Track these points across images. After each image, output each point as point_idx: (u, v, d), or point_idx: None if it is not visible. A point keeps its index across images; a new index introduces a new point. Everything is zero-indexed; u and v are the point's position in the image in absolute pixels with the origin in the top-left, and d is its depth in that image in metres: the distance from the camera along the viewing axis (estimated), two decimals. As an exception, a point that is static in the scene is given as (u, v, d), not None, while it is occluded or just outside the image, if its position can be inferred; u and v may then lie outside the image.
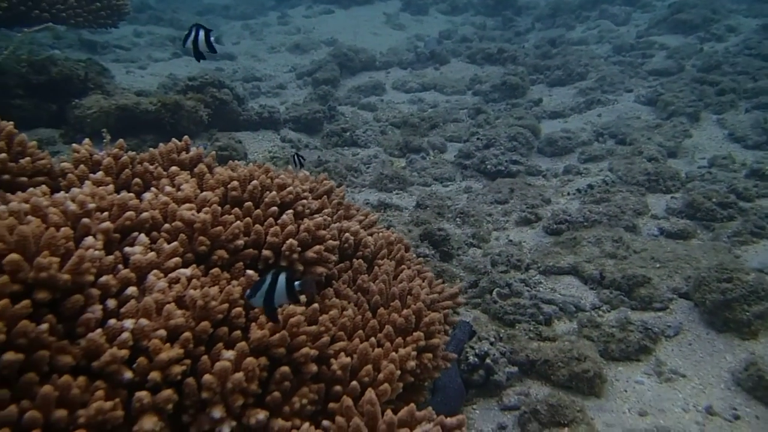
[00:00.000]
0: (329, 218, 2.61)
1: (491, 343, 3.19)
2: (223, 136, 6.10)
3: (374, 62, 10.63)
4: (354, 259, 2.61)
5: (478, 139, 6.59)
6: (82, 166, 2.25)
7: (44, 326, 1.53)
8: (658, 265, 3.90)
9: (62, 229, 1.75)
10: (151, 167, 2.40)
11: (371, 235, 2.89)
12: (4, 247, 1.59)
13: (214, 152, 2.71)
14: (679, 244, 4.27)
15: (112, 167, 2.32)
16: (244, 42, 12.71)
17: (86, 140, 2.39)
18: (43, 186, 2.05)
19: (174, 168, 2.44)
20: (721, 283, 3.38)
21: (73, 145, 2.32)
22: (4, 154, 2.00)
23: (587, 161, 6.24)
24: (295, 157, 3.97)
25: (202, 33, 3.16)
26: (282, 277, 1.77)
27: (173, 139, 2.56)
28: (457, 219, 5.05)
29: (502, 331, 3.43)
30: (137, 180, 2.35)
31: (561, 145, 6.57)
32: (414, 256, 2.99)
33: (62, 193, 1.99)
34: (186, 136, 2.64)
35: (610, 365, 3.25)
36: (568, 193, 5.42)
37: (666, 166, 5.56)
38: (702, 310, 3.51)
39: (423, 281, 2.64)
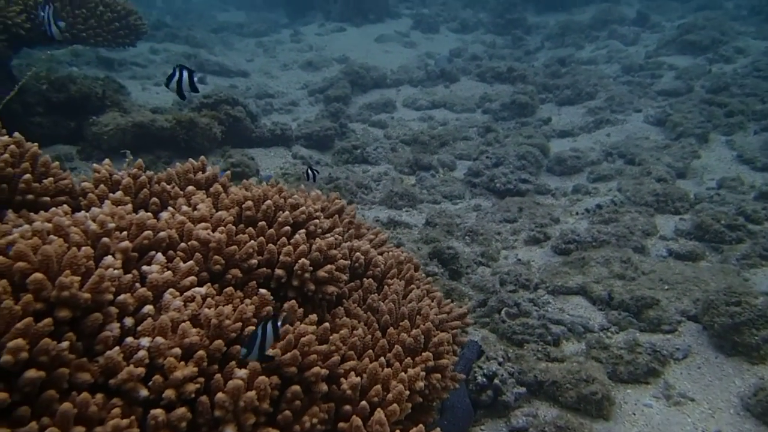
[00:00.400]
0: (340, 237, 2.66)
1: (499, 363, 3.21)
2: (236, 152, 6.18)
3: (385, 80, 10.74)
4: (364, 279, 2.65)
5: (487, 157, 6.64)
6: (102, 185, 2.32)
7: (65, 344, 1.58)
8: (666, 287, 3.91)
9: (83, 248, 1.81)
10: (168, 187, 2.46)
11: (381, 254, 2.93)
12: (29, 266, 1.64)
13: (229, 172, 2.77)
14: (687, 265, 4.28)
15: (131, 187, 2.38)
16: (258, 59, 12.88)
17: (106, 160, 2.46)
18: (65, 206, 2.11)
19: (190, 188, 2.50)
20: (729, 306, 3.38)
21: (94, 165, 2.39)
22: (28, 175, 2.07)
23: (596, 181, 6.26)
24: (308, 170, 4.05)
25: (186, 74, 3.27)
26: (269, 326, 1.81)
27: (190, 160, 2.62)
28: (466, 237, 5.08)
29: (511, 351, 3.45)
30: (155, 199, 2.41)
31: (570, 164, 6.61)
32: (423, 275, 3.03)
33: (83, 212, 2.05)
34: (202, 157, 2.70)
35: (619, 387, 3.25)
36: (577, 213, 5.45)
37: (675, 187, 5.57)
38: (711, 333, 3.51)
39: (432, 301, 2.68)
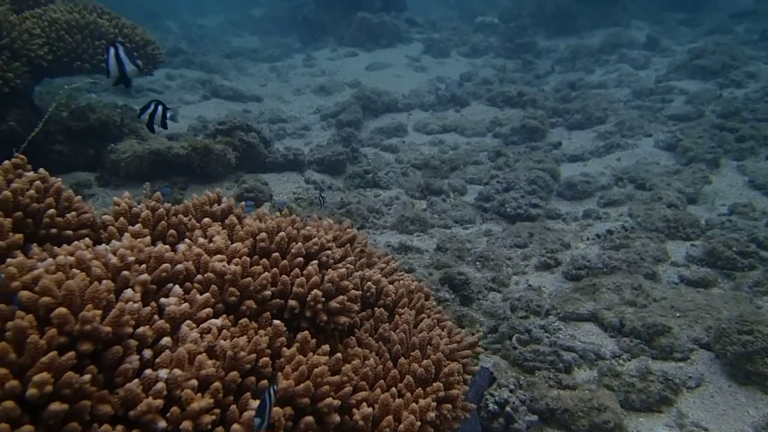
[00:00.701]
0: (352, 267, 2.71)
1: (511, 391, 3.22)
2: (250, 178, 6.28)
3: (396, 104, 10.87)
4: (375, 308, 2.69)
5: (497, 182, 6.69)
6: (122, 218, 2.39)
7: (87, 377, 1.63)
8: (678, 314, 3.91)
9: (104, 282, 1.87)
10: (185, 219, 2.53)
11: (392, 282, 2.98)
12: (53, 301, 1.71)
13: (243, 203, 2.84)
14: (699, 292, 4.27)
15: (149, 219, 2.45)
16: (271, 84, 13.09)
17: (126, 194, 2.54)
18: (87, 239, 2.18)
19: (206, 220, 2.57)
20: (741, 335, 3.38)
21: (114, 198, 2.47)
22: (52, 210, 2.15)
23: (607, 206, 6.28)
24: (319, 196, 4.16)
25: (160, 109, 3.35)
26: (271, 390, 1.84)
27: (206, 192, 2.70)
28: (477, 262, 5.11)
29: (522, 378, 3.46)
30: (172, 231, 2.48)
31: (580, 189, 6.64)
32: (434, 303, 3.06)
33: (104, 245, 2.12)
34: (218, 189, 2.78)
35: (631, 416, 3.25)
36: (588, 238, 5.47)
37: (686, 213, 5.58)
38: (723, 361, 3.51)
39: (443, 330, 2.71)
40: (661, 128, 8.35)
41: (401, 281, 3.04)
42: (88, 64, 5.63)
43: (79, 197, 2.37)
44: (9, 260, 1.80)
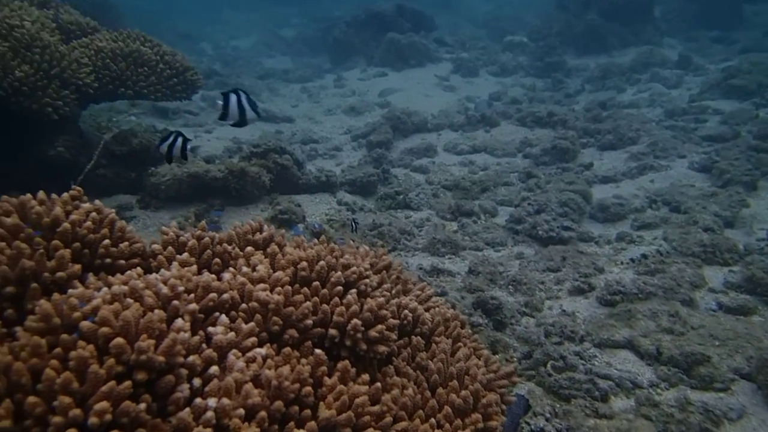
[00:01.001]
0: (388, 293, 2.76)
1: (547, 419, 3.22)
2: (284, 199, 6.40)
3: (426, 124, 10.95)
4: (412, 336, 2.73)
5: (529, 204, 6.68)
6: (170, 247, 2.49)
7: (142, 405, 1.71)
8: (717, 343, 3.85)
9: (156, 311, 1.96)
10: (229, 248, 2.62)
11: (428, 310, 3.02)
12: (111, 331, 1.79)
13: (284, 232, 2.92)
14: (738, 320, 4.20)
15: (195, 248, 2.54)
16: (302, 104, 13.32)
17: (173, 223, 2.64)
18: (138, 268, 2.28)
19: (249, 248, 2.65)
20: (783, 365, 3.32)
21: (162, 227, 2.57)
22: (107, 240, 2.25)
23: (640, 228, 6.22)
24: (353, 222, 4.26)
25: (180, 140, 3.48)
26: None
27: (248, 221, 2.78)
28: (510, 286, 5.11)
29: (558, 406, 3.45)
30: (217, 260, 2.56)
31: (613, 211, 6.59)
32: (469, 331, 3.09)
33: (155, 275, 2.22)
34: (260, 217, 2.87)
35: (669, 447, 3.21)
36: (622, 263, 5.42)
37: (723, 238, 5.50)
38: (765, 393, 3.44)
39: (479, 360, 2.74)
40: (695, 149, 8.25)
41: (437, 308, 3.08)
42: (131, 90, 5.83)
43: (131, 227, 2.48)
44: (71, 291, 1.89)
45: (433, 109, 12.12)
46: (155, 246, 2.50)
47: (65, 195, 2.37)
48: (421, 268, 5.51)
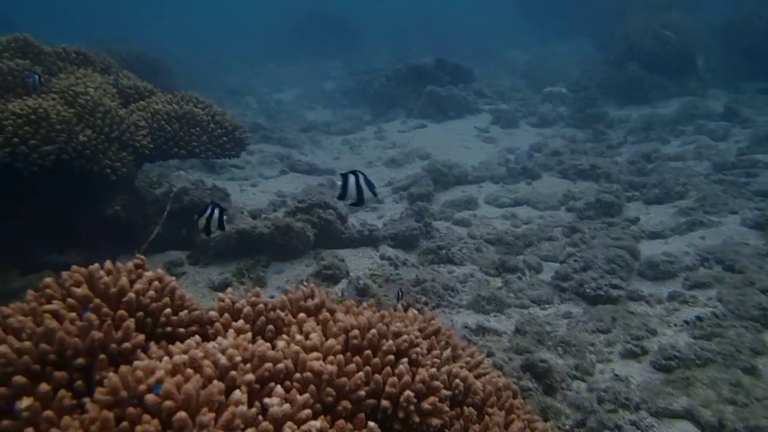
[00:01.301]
0: (438, 360, 2.75)
1: (602, 496, 3.09)
2: (328, 254, 6.47)
3: (467, 177, 10.99)
4: (464, 407, 2.69)
5: (574, 260, 6.59)
6: (226, 314, 2.54)
7: (204, 482, 1.73)
8: (782, 415, 3.66)
9: (215, 383, 1.99)
10: (282, 314, 2.66)
11: (479, 377, 2.98)
12: (174, 405, 1.83)
13: (334, 296, 2.95)
14: (805, 390, 4.00)
15: (250, 315, 2.59)
16: (344, 156, 13.58)
17: (229, 289, 2.71)
18: (197, 336, 2.33)
19: (302, 315, 2.68)
20: None
21: (219, 294, 2.63)
22: (168, 309, 2.32)
23: (693, 288, 6.03)
24: (399, 292, 4.30)
25: (216, 212, 3.68)
26: None
27: (300, 287, 2.83)
28: (558, 348, 4.99)
29: (613, 480, 3.31)
30: (270, 327, 2.60)
31: (663, 269, 6.42)
32: (522, 401, 3.02)
33: (212, 343, 2.26)
34: (312, 284, 2.91)
35: None
36: (675, 325, 5.25)
37: (783, 299, 5.29)
38: (838, 471, 3.24)
39: (533, 433, 2.67)
40: (747, 204, 8.03)
41: (487, 376, 3.04)
42: (184, 150, 6.07)
43: (190, 295, 2.55)
44: (136, 363, 1.95)
45: (473, 160, 12.19)
46: (212, 313, 2.55)
47: (130, 264, 2.47)
48: (466, 327, 5.45)
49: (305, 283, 5.96)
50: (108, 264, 2.41)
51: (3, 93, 5.44)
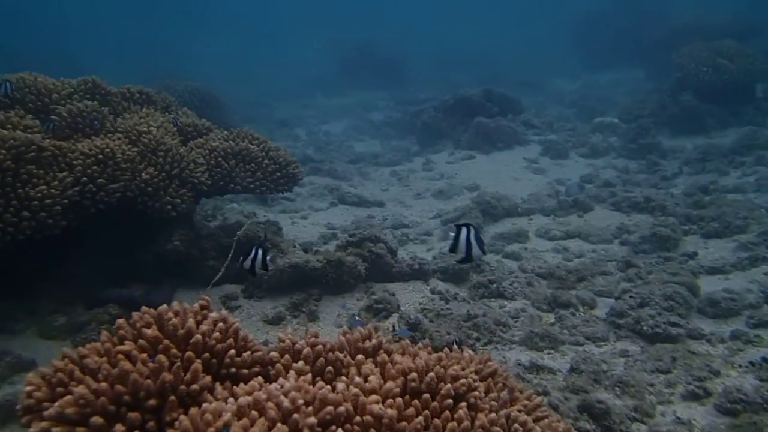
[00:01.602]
0: (496, 403, 2.72)
1: None
2: (379, 288, 6.51)
3: (516, 209, 10.90)
4: (524, 454, 2.65)
5: (630, 296, 6.42)
6: (286, 355, 2.60)
7: None
8: None
9: (279, 426, 2.04)
10: (341, 356, 2.70)
11: (537, 421, 2.93)
12: (242, 450, 1.88)
13: (390, 337, 2.98)
14: None
15: (310, 356, 2.64)
16: (392, 188, 13.68)
17: (289, 329, 2.77)
18: (260, 377, 2.39)
19: (360, 357, 2.72)
20: None
21: (279, 334, 2.70)
22: (233, 351, 2.39)
23: (757, 327, 5.78)
24: (456, 342, 4.31)
25: (260, 253, 3.80)
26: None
27: (359, 328, 2.87)
28: (616, 388, 4.85)
29: None
30: (330, 368, 2.64)
31: (724, 306, 6.18)
32: (582, 448, 2.95)
33: (275, 385, 2.32)
34: (370, 325, 2.94)
35: None
36: (740, 366, 5.03)
37: None
38: None
39: (596, 483, 2.60)
40: (814, 239, 7.69)
41: (546, 420, 2.99)
42: (239, 185, 6.27)
43: (252, 336, 2.62)
44: (205, 406, 2.02)
45: (522, 192, 12.10)
46: (273, 354, 2.62)
47: (196, 305, 2.56)
48: (519, 364, 5.36)
49: (357, 317, 6.00)
50: (176, 305, 2.51)
51: (73, 133, 5.77)
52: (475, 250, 3.51)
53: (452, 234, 3.56)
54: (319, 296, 6.14)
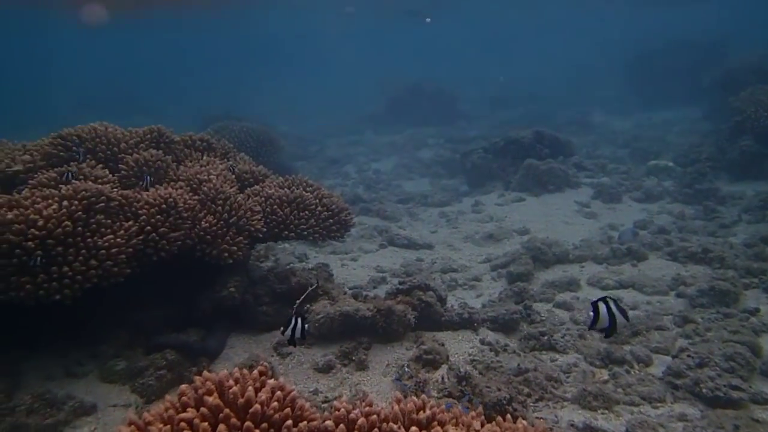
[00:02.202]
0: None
1: None
2: (428, 338, 6.49)
3: (567, 255, 10.72)
4: None
5: (688, 356, 6.19)
6: (342, 425, 2.64)
7: None
8: None
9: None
10: (395, 427, 2.72)
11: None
12: None
13: (443, 405, 2.98)
14: None
15: (364, 426, 2.67)
16: (441, 230, 13.69)
17: (344, 397, 2.82)
18: (315, 449, 2.43)
19: (414, 429, 2.73)
20: None
21: (334, 402, 2.74)
22: (290, 421, 2.44)
23: (829, 394, 5.47)
24: (507, 398, 4.26)
25: (300, 322, 4.00)
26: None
27: (412, 398, 2.89)
28: (674, 457, 4.66)
29: None
30: (383, 440, 2.66)
31: (791, 370, 5.89)
32: None
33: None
34: (423, 395, 2.96)
35: None
36: (810, 439, 4.77)
37: None
38: None
39: None
40: None
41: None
42: (293, 232, 6.42)
43: (308, 404, 2.68)
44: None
45: (573, 237, 11.90)
46: (328, 423, 2.66)
47: (255, 372, 2.64)
48: (572, 425, 5.23)
49: (406, 368, 5.99)
50: (236, 372, 2.59)
51: (138, 182, 6.06)
52: (620, 318, 3.61)
53: (591, 313, 3.66)
54: (368, 345, 6.17)
